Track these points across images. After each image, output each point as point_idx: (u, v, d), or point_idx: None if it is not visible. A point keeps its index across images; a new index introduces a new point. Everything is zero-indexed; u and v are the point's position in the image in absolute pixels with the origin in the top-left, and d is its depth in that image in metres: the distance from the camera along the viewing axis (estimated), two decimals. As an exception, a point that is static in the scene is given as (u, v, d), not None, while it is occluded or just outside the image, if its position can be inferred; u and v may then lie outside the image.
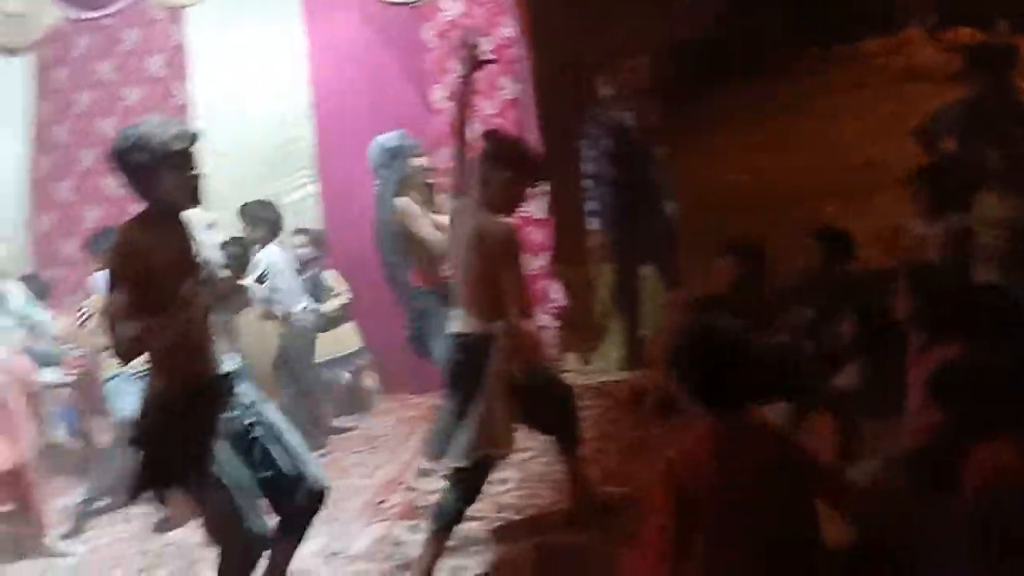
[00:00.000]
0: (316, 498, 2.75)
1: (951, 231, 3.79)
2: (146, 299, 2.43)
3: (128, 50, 5.39)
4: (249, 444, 2.65)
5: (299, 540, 2.85)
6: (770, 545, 1.97)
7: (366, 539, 3.47)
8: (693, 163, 7.52)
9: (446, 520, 2.99)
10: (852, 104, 8.60)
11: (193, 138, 2.51)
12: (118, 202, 4.41)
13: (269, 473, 2.65)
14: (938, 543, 2.23)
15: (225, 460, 2.55)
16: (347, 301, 4.84)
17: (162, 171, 2.46)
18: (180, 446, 2.50)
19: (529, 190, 3.07)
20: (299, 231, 4.85)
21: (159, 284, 2.43)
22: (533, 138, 4.64)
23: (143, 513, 3.95)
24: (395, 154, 3.81)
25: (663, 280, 4.81)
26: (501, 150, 3.01)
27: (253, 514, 2.58)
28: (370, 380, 5.02)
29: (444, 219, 3.40)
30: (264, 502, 2.66)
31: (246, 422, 2.65)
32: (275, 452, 2.66)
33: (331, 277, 4.85)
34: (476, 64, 3.11)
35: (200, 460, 2.51)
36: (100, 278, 4.03)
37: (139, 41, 5.38)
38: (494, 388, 2.89)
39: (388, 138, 3.86)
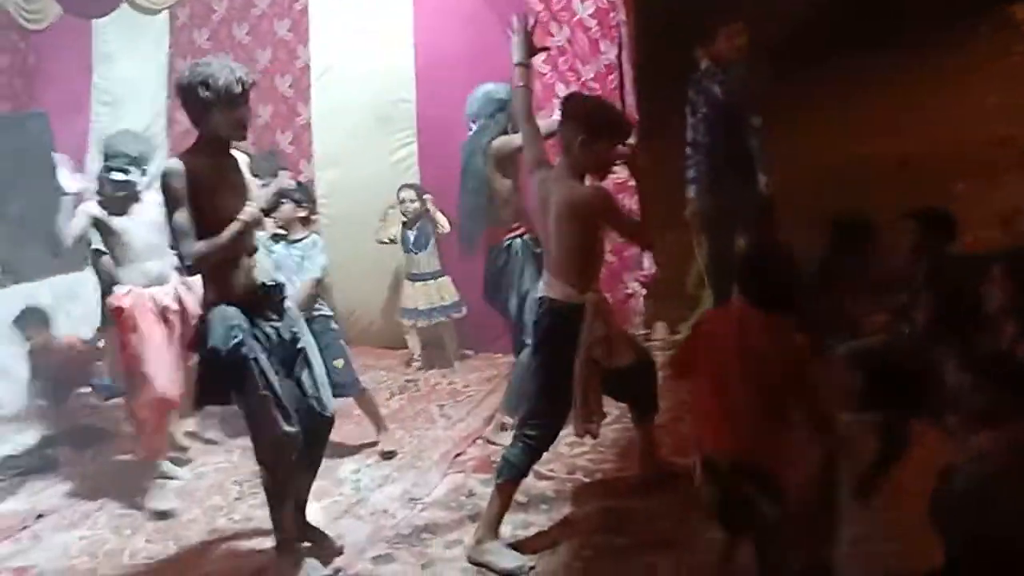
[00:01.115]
0: (326, 424, 3.06)
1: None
2: (199, 220, 2.76)
3: (259, 14, 5.64)
4: (293, 355, 2.97)
5: (315, 472, 3.16)
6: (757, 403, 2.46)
7: (443, 488, 3.62)
8: (815, 134, 7.22)
9: (513, 474, 3.05)
10: (995, 75, 7.98)
11: (248, 83, 2.79)
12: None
13: (299, 387, 2.97)
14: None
15: (267, 365, 2.85)
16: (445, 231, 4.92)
17: (217, 109, 2.75)
18: (230, 350, 2.80)
19: (616, 151, 2.99)
20: (405, 186, 5.00)
21: (209, 206, 2.77)
22: (631, 102, 4.60)
23: (242, 447, 4.28)
24: (501, 107, 3.86)
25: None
26: (578, 112, 2.97)
27: (287, 417, 2.88)
28: (452, 341, 5.16)
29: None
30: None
31: (291, 333, 2.97)
32: (304, 372, 2.99)
33: (437, 214, 4.96)
34: (532, 49, 3.12)
35: (246, 363, 2.81)
36: None
37: (269, 5, 5.62)
38: (585, 362, 2.90)
39: (496, 89, 3.88)
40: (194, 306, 3.89)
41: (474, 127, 3.93)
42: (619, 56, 4.59)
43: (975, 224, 4.75)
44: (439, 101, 4.94)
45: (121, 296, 3.76)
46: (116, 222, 3.75)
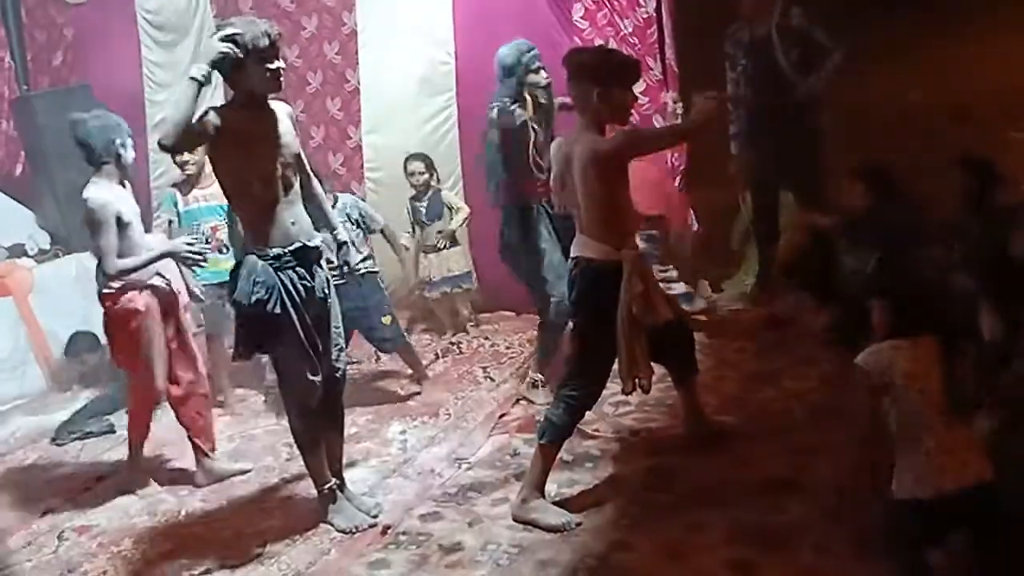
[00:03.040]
0: (339, 381, 3.17)
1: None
2: (230, 171, 2.88)
3: (301, -20, 5.58)
4: (323, 312, 3.06)
5: (340, 428, 3.27)
6: None
7: (488, 448, 3.66)
8: (869, 82, 7.00)
9: (555, 434, 3.05)
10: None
11: (275, 35, 2.81)
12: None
13: (320, 344, 3.06)
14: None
15: (296, 317, 2.94)
16: (467, 216, 4.94)
17: (248, 64, 2.77)
18: (251, 305, 2.88)
19: (632, 97, 2.96)
20: (412, 157, 4.95)
21: (243, 159, 2.84)
22: (671, 56, 4.51)
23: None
24: (509, 72, 3.81)
25: (801, 206, 4.61)
26: (587, 66, 2.94)
27: (313, 367, 3.02)
28: (465, 308, 5.16)
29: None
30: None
31: (323, 292, 3.06)
32: (325, 331, 3.08)
33: (450, 196, 4.98)
34: None
35: (270, 317, 2.90)
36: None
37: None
38: (627, 318, 2.88)
39: (505, 53, 3.84)
40: (182, 288, 3.85)
41: (495, 94, 3.92)
42: (658, 8, 4.49)
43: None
44: (479, 63, 4.86)
45: (136, 296, 3.48)
46: (126, 214, 3.44)
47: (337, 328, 3.15)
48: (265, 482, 3.65)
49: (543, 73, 3.79)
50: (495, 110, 3.80)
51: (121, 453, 4.08)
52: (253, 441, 4.10)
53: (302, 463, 3.67)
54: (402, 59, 5.28)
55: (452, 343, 5.00)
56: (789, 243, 4.08)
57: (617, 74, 2.91)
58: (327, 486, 3.18)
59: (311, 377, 3.02)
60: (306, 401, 3.07)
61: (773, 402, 3.67)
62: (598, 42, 4.55)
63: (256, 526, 3.29)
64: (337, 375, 3.17)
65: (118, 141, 3.48)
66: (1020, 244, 2.85)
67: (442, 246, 4.95)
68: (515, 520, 3.04)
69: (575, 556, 2.78)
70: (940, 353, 2.32)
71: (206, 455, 3.73)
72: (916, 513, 2.27)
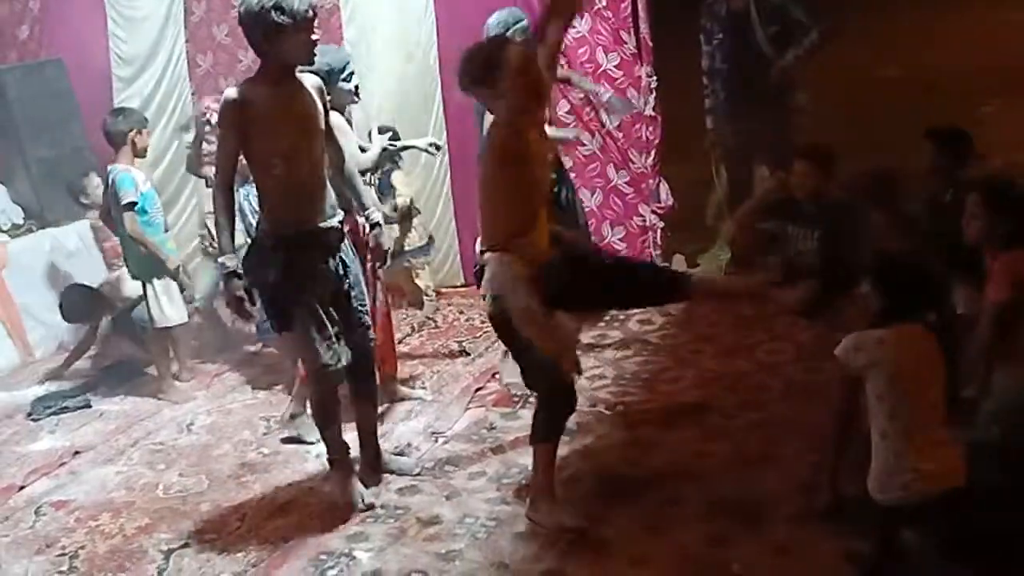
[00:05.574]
0: (368, 357, 3.16)
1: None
2: (253, 148, 2.80)
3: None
4: (342, 289, 3.01)
5: (372, 401, 3.25)
6: None
7: (464, 422, 3.68)
8: (839, 58, 7.03)
9: (544, 434, 2.87)
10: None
11: (315, 6, 2.77)
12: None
13: (348, 320, 3.04)
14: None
15: (311, 301, 2.91)
16: (408, 202, 4.93)
17: (289, 33, 2.71)
18: (278, 284, 2.86)
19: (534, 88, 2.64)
20: (383, 129, 4.92)
21: (269, 136, 2.78)
22: (645, 31, 4.49)
23: (267, 386, 4.38)
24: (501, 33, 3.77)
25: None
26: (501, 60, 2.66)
27: (330, 350, 2.98)
28: (422, 282, 5.11)
29: None
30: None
31: (340, 273, 3.00)
32: (353, 304, 3.05)
33: (399, 177, 4.93)
34: None
35: (292, 297, 2.87)
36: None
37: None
38: (523, 318, 2.62)
39: (495, 21, 3.81)
40: None
41: None
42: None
43: (1007, 146, 4.65)
44: (455, 27, 4.84)
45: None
46: None
47: (363, 306, 3.11)
48: (243, 457, 3.66)
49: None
50: None
51: (95, 429, 4.12)
52: (230, 415, 4.09)
53: (279, 437, 3.75)
54: (382, 28, 5.22)
55: (429, 317, 5.00)
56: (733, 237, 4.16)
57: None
58: (335, 459, 3.17)
59: (325, 360, 2.96)
60: (321, 383, 3.03)
61: (748, 376, 3.72)
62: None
63: (234, 500, 3.30)
64: (367, 351, 3.14)
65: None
66: (970, 230, 2.87)
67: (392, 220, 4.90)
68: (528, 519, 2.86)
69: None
70: (932, 344, 2.26)
71: (392, 377, 3.88)
72: (898, 512, 2.27)
